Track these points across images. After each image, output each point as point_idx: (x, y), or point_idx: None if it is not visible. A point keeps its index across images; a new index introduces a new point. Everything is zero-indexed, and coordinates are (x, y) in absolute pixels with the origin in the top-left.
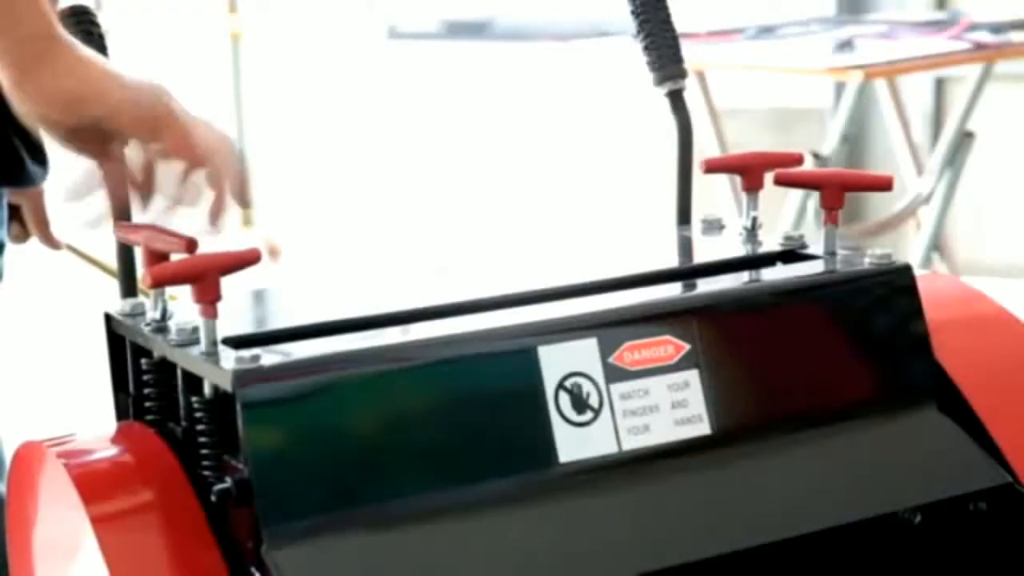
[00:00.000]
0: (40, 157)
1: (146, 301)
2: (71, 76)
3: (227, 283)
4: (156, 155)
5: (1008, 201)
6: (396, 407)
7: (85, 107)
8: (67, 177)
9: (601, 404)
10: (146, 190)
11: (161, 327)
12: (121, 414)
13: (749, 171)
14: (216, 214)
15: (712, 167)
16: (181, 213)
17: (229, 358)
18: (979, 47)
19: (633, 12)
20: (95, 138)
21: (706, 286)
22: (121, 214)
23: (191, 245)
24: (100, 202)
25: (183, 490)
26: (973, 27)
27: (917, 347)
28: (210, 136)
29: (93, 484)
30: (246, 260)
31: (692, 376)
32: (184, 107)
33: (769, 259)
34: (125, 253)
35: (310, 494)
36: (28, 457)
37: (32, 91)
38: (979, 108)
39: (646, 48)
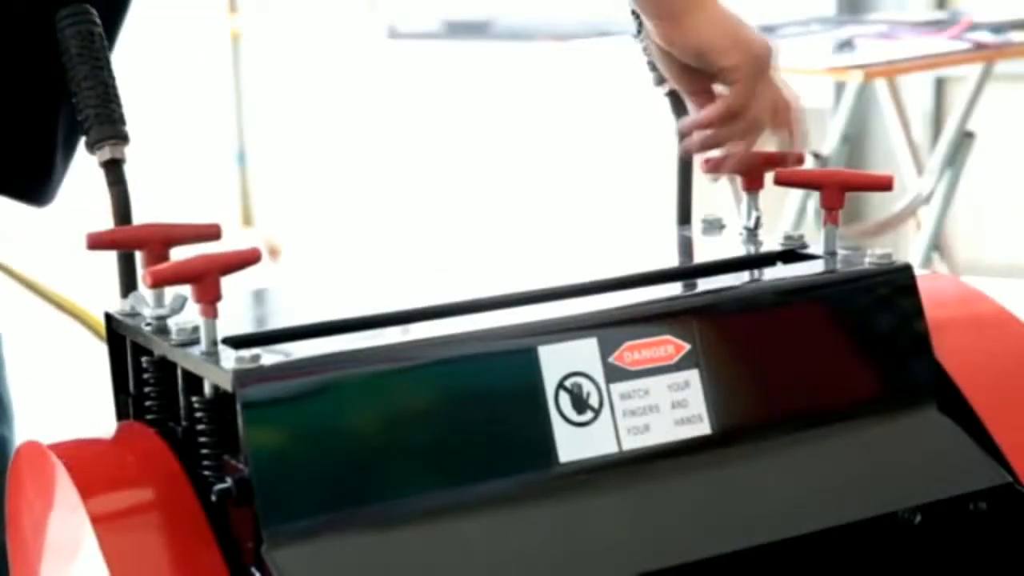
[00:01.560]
0: (57, 177)
1: (146, 300)
2: (711, 28)
3: (227, 283)
4: (752, 99)
5: (1008, 201)
6: (396, 407)
7: (713, 56)
8: None
9: (601, 404)
10: (731, 124)
11: (161, 327)
12: (121, 414)
13: (749, 171)
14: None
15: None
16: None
17: (229, 358)
18: (979, 47)
19: (633, 12)
20: (702, 76)
21: (706, 286)
22: (122, 217)
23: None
24: None
25: (183, 490)
26: (973, 27)
27: (917, 347)
28: (791, 94)
29: (93, 484)
30: (246, 260)
31: (692, 376)
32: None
33: (769, 259)
34: (125, 254)
35: (310, 494)
36: (28, 457)
37: (675, 37)
38: (979, 108)
39: (646, 48)
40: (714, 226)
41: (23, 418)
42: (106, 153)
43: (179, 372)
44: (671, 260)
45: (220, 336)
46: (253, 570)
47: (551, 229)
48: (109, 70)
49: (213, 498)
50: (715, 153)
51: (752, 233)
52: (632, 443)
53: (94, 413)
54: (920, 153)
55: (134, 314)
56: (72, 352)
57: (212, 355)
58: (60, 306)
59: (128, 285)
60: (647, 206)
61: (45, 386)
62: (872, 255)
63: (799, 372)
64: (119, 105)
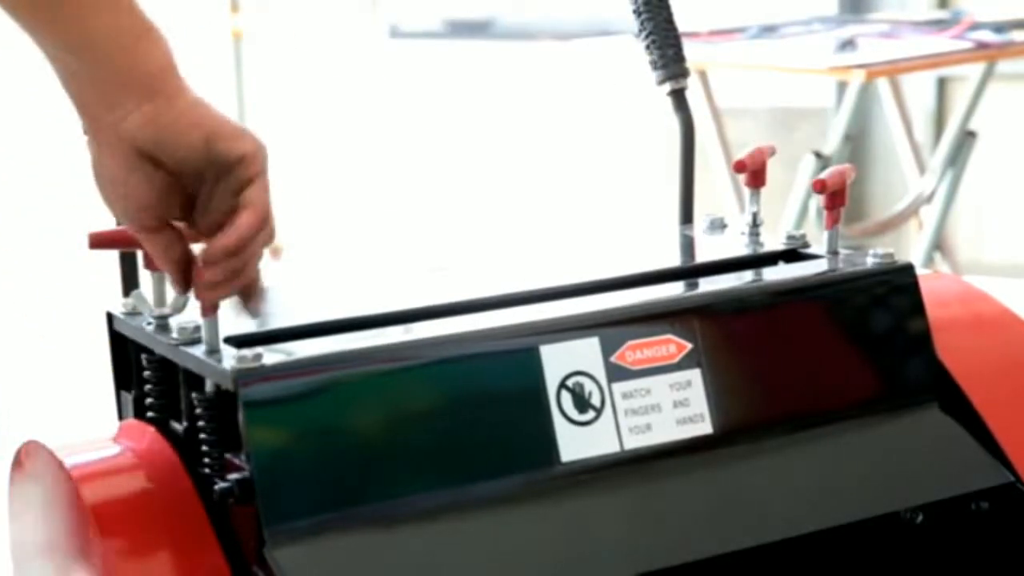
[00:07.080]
0: None
1: (147, 299)
2: (212, 112)
3: None
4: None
5: (1010, 200)
6: (398, 406)
7: (228, 142)
8: None
9: (603, 403)
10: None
11: (163, 326)
12: (123, 413)
13: (753, 168)
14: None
15: None
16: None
17: (230, 357)
18: (981, 46)
19: (635, 11)
20: (179, 195)
21: (708, 285)
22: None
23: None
24: None
25: (185, 489)
26: (975, 26)
27: (919, 346)
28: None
29: (95, 483)
30: None
31: (694, 375)
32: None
33: (771, 258)
34: (126, 254)
35: (311, 493)
36: (29, 456)
37: (173, 120)
38: (981, 107)
39: (648, 47)
40: (716, 225)
41: (23, 418)
42: None
43: (180, 371)
44: (673, 259)
45: (221, 335)
46: (255, 569)
47: (552, 229)
48: None
49: (215, 497)
50: (720, 153)
51: (754, 231)
52: (634, 442)
53: (96, 412)
54: (922, 152)
55: (136, 313)
56: (72, 351)
57: (213, 354)
58: None
59: (129, 284)
60: (649, 206)
61: (45, 386)
62: (874, 255)
63: (801, 371)
64: None
